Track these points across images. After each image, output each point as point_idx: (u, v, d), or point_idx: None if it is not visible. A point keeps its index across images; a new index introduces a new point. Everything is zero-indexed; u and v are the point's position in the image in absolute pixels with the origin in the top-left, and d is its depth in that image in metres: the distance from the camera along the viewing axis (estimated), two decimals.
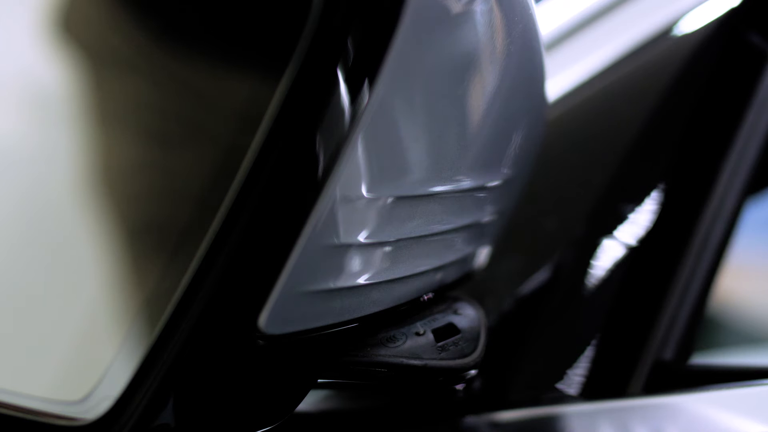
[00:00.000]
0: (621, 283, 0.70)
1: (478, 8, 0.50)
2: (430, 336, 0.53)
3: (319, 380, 0.52)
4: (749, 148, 0.69)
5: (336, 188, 0.47)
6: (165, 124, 0.53)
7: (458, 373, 0.54)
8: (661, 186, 0.69)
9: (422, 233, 0.51)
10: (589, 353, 0.68)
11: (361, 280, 0.50)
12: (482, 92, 0.51)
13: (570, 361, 0.69)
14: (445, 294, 0.56)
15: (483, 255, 0.59)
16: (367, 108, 0.46)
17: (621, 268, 0.70)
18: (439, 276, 0.54)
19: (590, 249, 0.70)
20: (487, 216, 0.56)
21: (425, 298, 0.54)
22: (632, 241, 0.69)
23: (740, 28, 0.71)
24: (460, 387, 0.57)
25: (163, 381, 0.48)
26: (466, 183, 0.52)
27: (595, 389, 0.67)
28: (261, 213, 0.47)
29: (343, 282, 0.49)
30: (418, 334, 0.53)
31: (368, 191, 0.48)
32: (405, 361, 0.52)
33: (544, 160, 0.61)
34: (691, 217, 0.68)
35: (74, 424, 0.49)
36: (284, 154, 0.46)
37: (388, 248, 0.50)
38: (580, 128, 0.71)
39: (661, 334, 0.65)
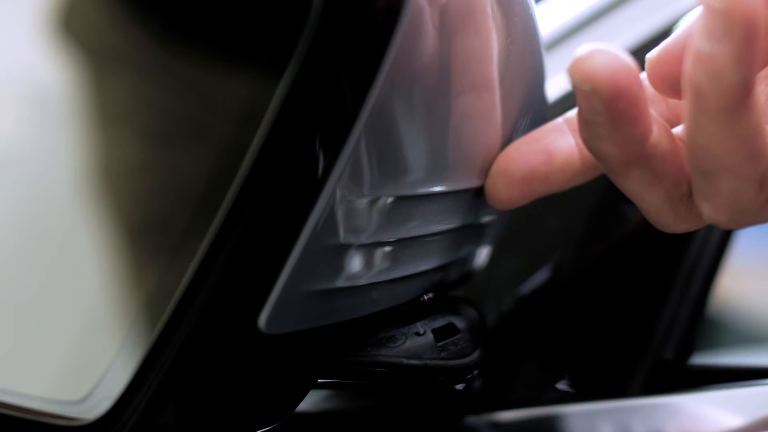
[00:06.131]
0: (621, 283, 0.70)
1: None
2: (430, 336, 0.53)
3: (319, 380, 0.52)
4: None
5: (336, 188, 0.47)
6: (165, 123, 0.53)
7: (458, 373, 0.54)
8: None
9: (422, 233, 0.51)
10: (589, 353, 0.68)
11: (361, 280, 0.50)
12: None
13: (570, 361, 0.69)
14: (445, 294, 0.56)
15: (483, 255, 0.59)
16: (367, 108, 0.46)
17: (621, 267, 0.70)
18: (439, 276, 0.54)
19: (590, 249, 0.70)
20: (487, 216, 0.55)
21: (425, 298, 0.54)
22: (632, 240, 0.69)
23: None
24: (460, 387, 0.57)
25: (163, 381, 0.48)
26: (466, 183, 0.52)
27: (595, 389, 0.67)
28: (261, 213, 0.47)
29: (343, 282, 0.49)
30: (418, 334, 0.53)
31: (368, 191, 0.48)
32: (405, 361, 0.52)
33: None
34: None
35: (74, 424, 0.49)
36: (284, 154, 0.46)
37: (388, 248, 0.50)
38: None
39: (661, 334, 0.65)
